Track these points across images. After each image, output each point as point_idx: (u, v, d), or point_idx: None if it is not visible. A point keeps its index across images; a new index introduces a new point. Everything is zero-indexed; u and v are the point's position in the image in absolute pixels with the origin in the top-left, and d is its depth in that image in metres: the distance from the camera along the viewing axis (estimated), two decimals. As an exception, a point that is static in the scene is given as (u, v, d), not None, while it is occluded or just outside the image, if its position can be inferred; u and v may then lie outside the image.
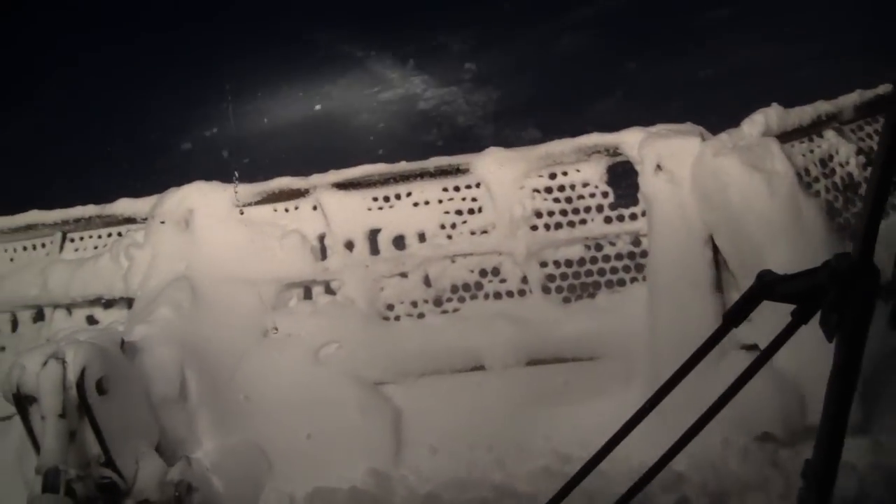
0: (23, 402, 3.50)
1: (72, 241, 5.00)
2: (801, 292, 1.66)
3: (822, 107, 4.43)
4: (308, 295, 4.67)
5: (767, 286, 1.73)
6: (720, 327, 1.85)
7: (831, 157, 4.38)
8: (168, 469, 3.76)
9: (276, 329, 4.49)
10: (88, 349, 3.54)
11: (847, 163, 4.38)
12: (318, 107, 12.61)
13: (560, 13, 13.34)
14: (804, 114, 4.35)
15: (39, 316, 4.92)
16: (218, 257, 4.57)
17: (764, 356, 1.82)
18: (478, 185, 4.52)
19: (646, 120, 4.47)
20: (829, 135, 4.41)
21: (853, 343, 1.58)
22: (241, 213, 4.67)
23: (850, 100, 4.45)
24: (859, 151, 4.43)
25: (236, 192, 4.66)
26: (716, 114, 4.55)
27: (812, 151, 4.38)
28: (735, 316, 1.79)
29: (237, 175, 4.73)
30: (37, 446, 3.49)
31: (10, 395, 3.50)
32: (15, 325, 4.96)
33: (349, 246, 4.61)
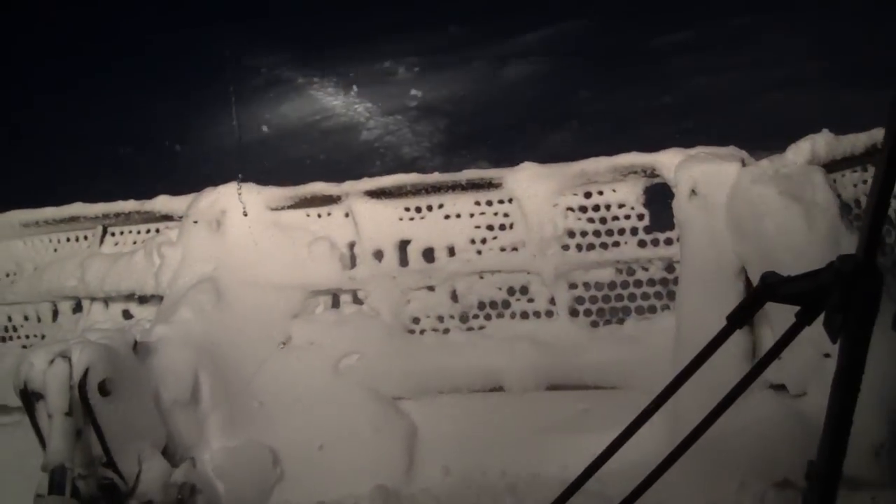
0: (30, 398, 3.53)
1: (112, 234, 5.06)
2: (804, 294, 1.68)
3: (878, 134, 4.16)
4: (336, 303, 4.63)
5: (771, 287, 1.74)
6: (724, 328, 1.84)
7: (886, 189, 4.13)
8: (172, 471, 3.77)
9: (284, 343, 4.46)
10: (94, 350, 3.55)
11: (902, 194, 4.11)
12: (256, 134, 12.15)
13: (510, 38, 13.21)
14: (857, 141, 4.09)
15: (78, 307, 5.00)
16: (246, 260, 4.57)
17: (768, 357, 1.82)
18: (510, 201, 4.41)
19: (601, 150, 4.34)
20: (887, 164, 4.16)
21: (857, 344, 1.61)
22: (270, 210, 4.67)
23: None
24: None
25: (240, 193, 4.65)
26: (674, 142, 4.35)
27: (865, 182, 4.14)
28: (739, 317, 1.81)
29: (241, 177, 4.72)
30: (43, 444, 3.52)
31: (18, 390, 3.54)
32: (56, 314, 5.06)
33: (378, 256, 4.56)
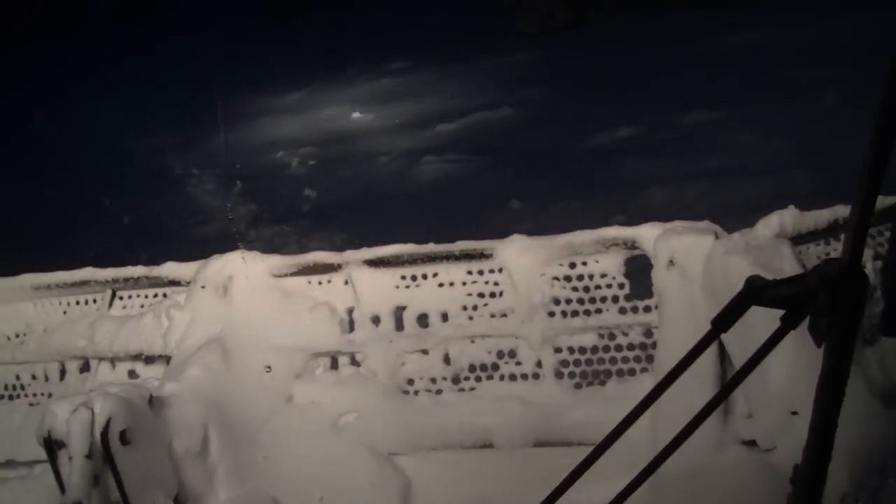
0: (52, 446, 3.78)
1: (120, 298, 5.29)
2: (789, 297, 1.67)
3: (841, 211, 4.53)
4: (335, 365, 4.88)
5: (756, 291, 1.74)
6: (709, 332, 1.84)
7: (847, 261, 4.47)
8: (183, 519, 4.00)
9: (269, 368, 4.70)
10: (116, 401, 3.81)
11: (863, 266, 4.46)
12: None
13: (425, 131, 14.40)
14: (820, 217, 4.46)
15: (86, 367, 5.22)
16: (251, 323, 4.82)
17: (752, 361, 1.83)
18: (500, 270, 4.70)
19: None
20: (847, 239, 4.50)
21: (842, 348, 1.60)
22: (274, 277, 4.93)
23: (871, 203, 4.54)
24: (877, 256, 4.52)
25: (230, 218, 4.93)
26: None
27: (828, 254, 4.49)
28: (723, 321, 1.81)
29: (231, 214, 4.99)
30: (62, 489, 3.75)
31: (42, 438, 3.78)
32: (63, 373, 5.27)
33: (375, 321, 4.82)
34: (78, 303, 5.36)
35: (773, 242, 4.20)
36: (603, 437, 4.34)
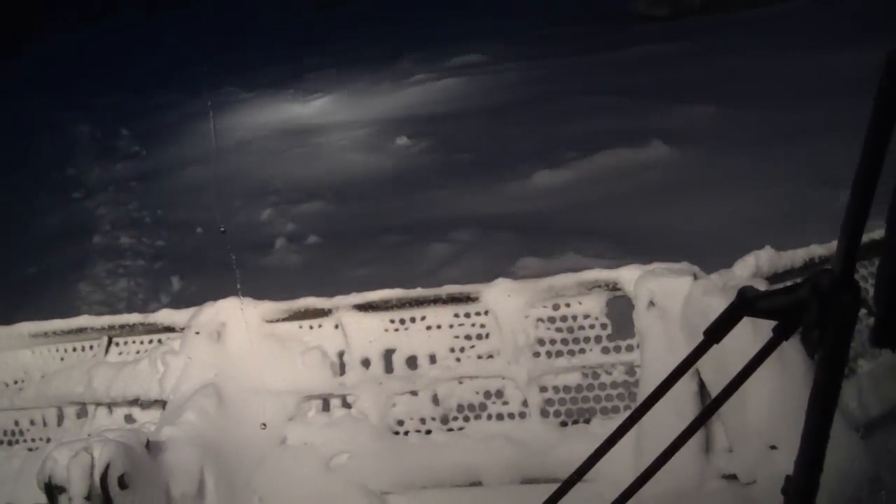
0: (53, 491, 3.89)
1: (116, 345, 5.40)
2: (782, 308, 1.69)
3: (816, 250, 4.70)
4: (326, 407, 5.00)
5: (749, 302, 1.77)
6: (701, 343, 1.89)
7: (821, 300, 4.63)
8: (180, 563, 4.11)
9: (265, 425, 4.81)
10: (114, 447, 3.93)
11: (836, 305, 4.62)
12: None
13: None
14: (796, 257, 4.63)
15: (83, 412, 5.33)
16: (245, 368, 4.94)
17: (745, 372, 1.88)
18: (486, 313, 4.83)
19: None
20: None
21: (835, 358, 1.60)
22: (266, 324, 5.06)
23: (843, 244, 4.71)
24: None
25: (223, 231, 5.05)
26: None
27: (801, 295, 4.63)
28: (716, 331, 1.85)
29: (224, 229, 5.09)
30: (62, 532, 3.87)
31: (43, 483, 3.90)
32: (61, 419, 5.38)
33: (365, 363, 4.94)
34: (75, 349, 5.48)
35: (749, 282, 4.35)
36: (588, 474, 4.47)
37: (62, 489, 3.88)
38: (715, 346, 4.30)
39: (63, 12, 32.29)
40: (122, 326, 5.38)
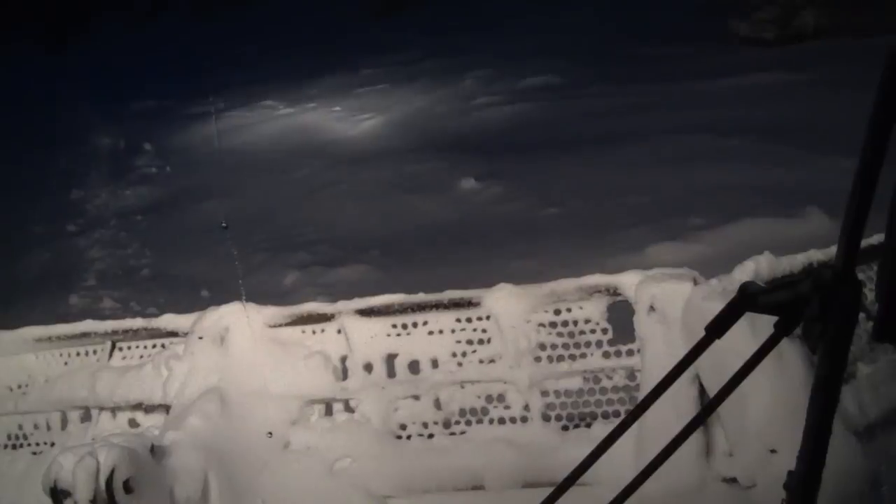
0: (59, 496, 3.94)
1: (120, 349, 5.44)
2: (783, 303, 1.68)
3: (814, 255, 4.73)
4: (329, 412, 5.03)
5: (750, 297, 1.75)
6: (702, 339, 1.88)
7: (820, 304, 4.68)
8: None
9: (271, 433, 4.84)
10: (119, 452, 3.98)
11: (836, 311, 4.67)
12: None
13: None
14: (795, 261, 4.66)
15: (87, 416, 5.36)
16: (248, 372, 4.98)
17: (746, 368, 1.87)
18: (488, 318, 4.87)
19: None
20: (822, 282, 4.71)
21: (836, 353, 1.60)
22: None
23: (843, 248, 4.76)
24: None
25: (224, 227, 5.04)
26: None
27: (802, 299, 4.68)
28: (718, 328, 1.84)
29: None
30: (67, 536, 3.91)
31: (48, 488, 3.94)
32: (65, 423, 5.41)
33: (368, 368, 4.97)
34: (78, 354, 5.51)
35: (749, 286, 4.38)
36: (588, 477, 4.49)
37: (67, 493, 3.93)
38: (716, 350, 4.35)
39: (115, 12, 31.97)
40: (125, 331, 5.42)
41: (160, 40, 28.26)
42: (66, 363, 5.52)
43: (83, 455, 3.93)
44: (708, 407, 1.92)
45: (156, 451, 4.29)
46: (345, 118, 17.15)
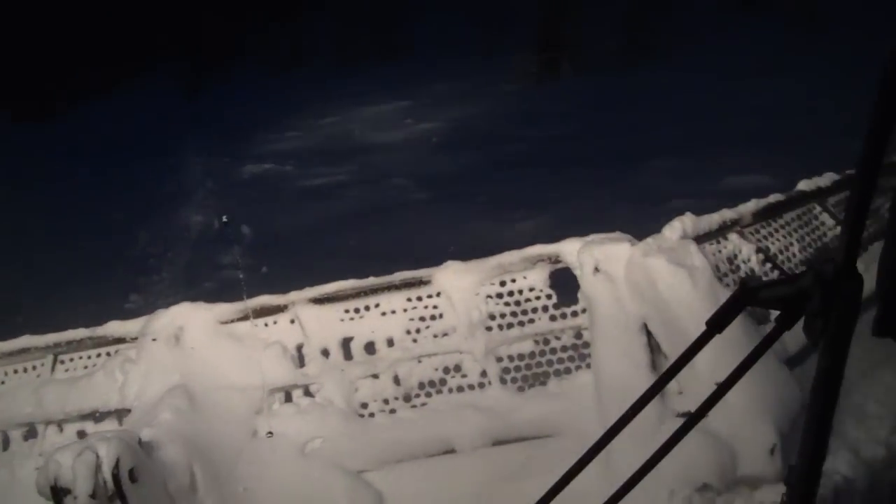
0: (59, 494, 3.95)
1: (62, 362, 5.38)
2: (784, 298, 1.66)
3: (726, 213, 5.28)
4: (289, 398, 5.16)
5: (751, 292, 1.74)
6: (704, 333, 1.84)
7: (735, 256, 5.23)
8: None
9: (271, 433, 4.96)
10: (119, 442, 4.04)
11: (749, 260, 5.23)
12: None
13: None
14: (711, 220, 5.20)
15: (31, 433, 5.26)
16: (208, 368, 5.06)
17: (749, 360, 1.82)
18: (438, 294, 5.16)
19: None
20: (733, 237, 5.26)
21: (837, 348, 1.57)
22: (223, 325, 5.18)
23: (749, 207, 5.33)
24: (758, 250, 5.28)
25: (225, 221, 5.10)
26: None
27: (720, 252, 5.21)
28: (718, 322, 1.80)
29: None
30: (69, 535, 3.93)
31: (48, 488, 3.94)
32: (6, 443, 5.29)
33: (325, 353, 5.16)
34: (16, 371, 5.42)
35: (680, 243, 4.87)
36: (551, 429, 4.81)
37: (67, 490, 3.94)
38: (658, 301, 4.78)
39: (253, 60, 30.28)
40: (68, 343, 5.38)
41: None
42: (2, 382, 5.41)
43: (81, 450, 3.95)
44: (715, 395, 1.81)
45: (143, 446, 4.33)
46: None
